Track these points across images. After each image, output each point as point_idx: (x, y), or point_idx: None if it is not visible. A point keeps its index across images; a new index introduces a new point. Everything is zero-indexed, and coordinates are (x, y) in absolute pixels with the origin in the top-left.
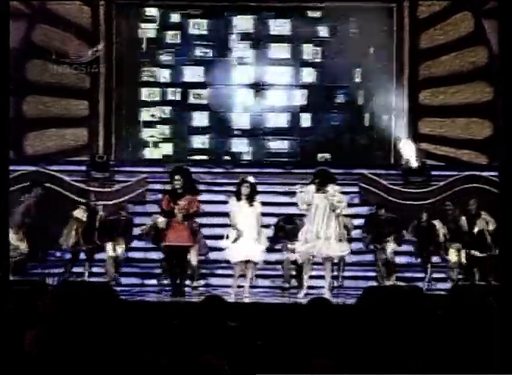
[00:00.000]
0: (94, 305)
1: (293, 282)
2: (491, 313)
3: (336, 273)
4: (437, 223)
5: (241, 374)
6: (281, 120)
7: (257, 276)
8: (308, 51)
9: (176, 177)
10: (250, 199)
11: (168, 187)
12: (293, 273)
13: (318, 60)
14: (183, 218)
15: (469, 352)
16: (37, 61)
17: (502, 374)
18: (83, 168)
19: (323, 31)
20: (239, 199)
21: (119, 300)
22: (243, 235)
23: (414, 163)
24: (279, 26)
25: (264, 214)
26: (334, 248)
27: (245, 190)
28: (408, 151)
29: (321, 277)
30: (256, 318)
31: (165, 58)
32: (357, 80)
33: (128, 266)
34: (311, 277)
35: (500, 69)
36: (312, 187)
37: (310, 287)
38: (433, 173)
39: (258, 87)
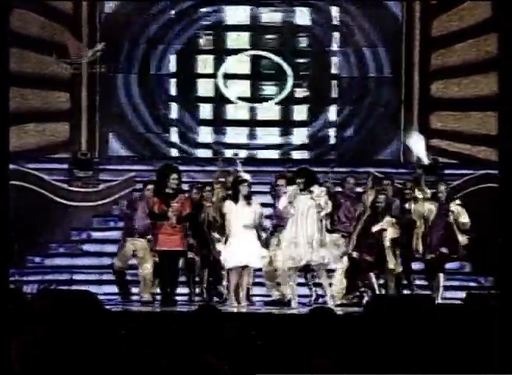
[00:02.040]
0: (77, 315)
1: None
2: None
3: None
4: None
5: (241, 374)
6: (275, 114)
7: (256, 283)
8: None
9: (174, 176)
10: (248, 199)
11: (151, 186)
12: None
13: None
14: (176, 221)
15: (470, 355)
16: (14, 49)
17: (502, 374)
18: (65, 166)
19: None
20: (236, 200)
21: (104, 310)
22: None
23: (426, 160)
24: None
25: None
26: (319, 255)
27: (245, 190)
28: (419, 147)
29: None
30: (253, 329)
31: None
32: (364, 70)
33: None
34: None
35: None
36: (295, 188)
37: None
38: (446, 171)
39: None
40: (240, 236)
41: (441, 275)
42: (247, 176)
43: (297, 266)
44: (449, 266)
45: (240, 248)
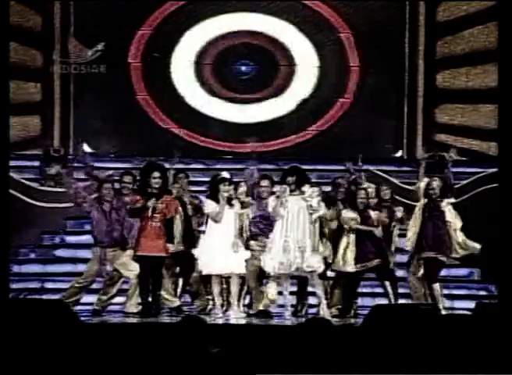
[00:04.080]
0: (49, 327)
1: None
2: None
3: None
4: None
5: (241, 374)
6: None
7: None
8: None
9: (156, 175)
10: (230, 200)
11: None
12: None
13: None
14: (161, 224)
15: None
16: None
17: (502, 374)
18: (36, 163)
19: None
20: (216, 201)
21: (79, 322)
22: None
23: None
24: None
25: None
26: (309, 260)
27: (225, 190)
28: None
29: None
30: (243, 342)
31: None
32: (365, 60)
33: None
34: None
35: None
36: (284, 187)
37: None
38: (453, 169)
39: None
40: (219, 240)
41: (436, 285)
42: (225, 174)
43: (288, 273)
44: (455, 273)
45: (219, 254)
